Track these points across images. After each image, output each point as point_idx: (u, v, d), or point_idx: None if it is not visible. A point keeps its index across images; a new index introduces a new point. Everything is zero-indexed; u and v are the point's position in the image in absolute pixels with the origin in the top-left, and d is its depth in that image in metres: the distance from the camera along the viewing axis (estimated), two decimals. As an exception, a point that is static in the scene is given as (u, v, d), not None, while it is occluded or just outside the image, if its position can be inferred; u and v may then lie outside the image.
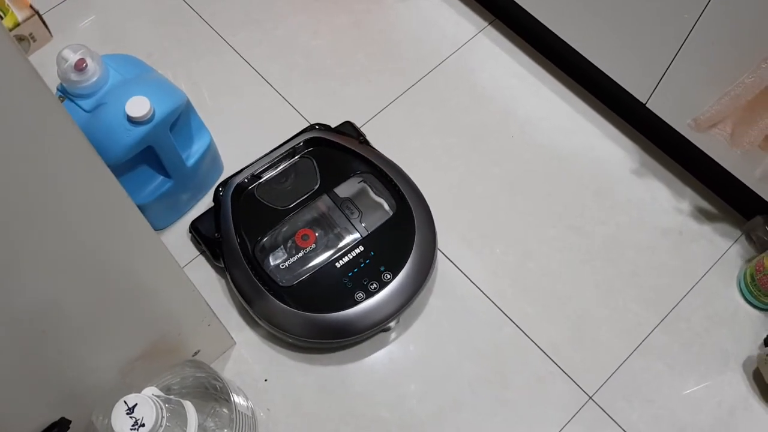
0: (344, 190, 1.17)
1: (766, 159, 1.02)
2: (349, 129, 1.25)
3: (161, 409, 0.80)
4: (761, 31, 0.92)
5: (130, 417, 0.77)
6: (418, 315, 1.15)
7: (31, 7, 1.34)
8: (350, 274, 1.08)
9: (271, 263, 1.11)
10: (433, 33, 1.41)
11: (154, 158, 1.09)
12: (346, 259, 1.10)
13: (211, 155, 1.21)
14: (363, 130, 1.26)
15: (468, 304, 1.16)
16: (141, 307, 0.86)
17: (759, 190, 1.11)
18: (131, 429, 0.77)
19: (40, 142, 0.57)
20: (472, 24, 1.42)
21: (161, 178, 1.13)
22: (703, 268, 1.19)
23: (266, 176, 1.18)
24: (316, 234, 1.13)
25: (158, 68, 1.14)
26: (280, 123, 1.31)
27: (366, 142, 1.23)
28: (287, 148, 1.20)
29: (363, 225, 1.13)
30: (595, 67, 1.22)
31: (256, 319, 1.11)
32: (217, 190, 1.17)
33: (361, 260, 1.09)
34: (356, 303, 1.06)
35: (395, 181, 1.16)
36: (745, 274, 1.16)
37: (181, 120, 1.11)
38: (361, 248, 1.11)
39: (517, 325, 1.15)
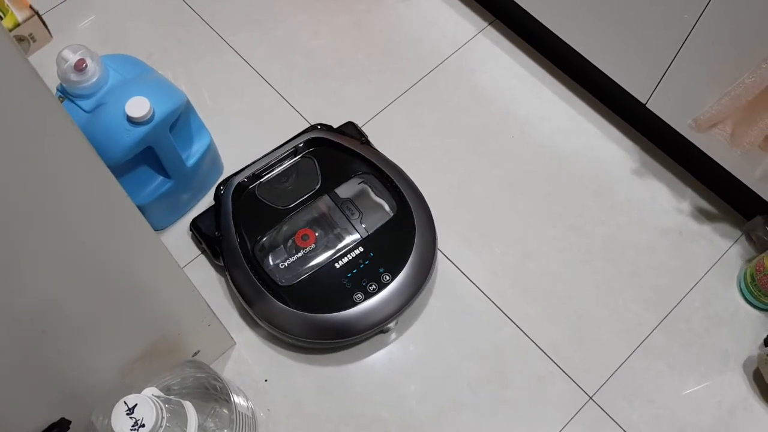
0: (345, 190, 1.17)
1: (766, 159, 1.02)
2: (351, 129, 1.25)
3: (161, 409, 0.80)
4: (761, 31, 0.92)
5: (130, 417, 0.77)
6: (418, 315, 1.15)
7: (30, 7, 1.34)
8: (349, 274, 1.08)
9: (271, 262, 1.11)
10: (434, 33, 1.41)
11: (154, 158, 1.09)
12: (345, 259, 1.10)
13: (211, 155, 1.21)
14: (363, 130, 1.26)
15: (468, 304, 1.16)
16: (141, 307, 0.86)
17: (759, 190, 1.11)
18: (131, 429, 0.77)
19: (40, 142, 0.57)
20: (472, 24, 1.42)
21: (161, 178, 1.13)
22: (703, 269, 1.19)
23: (267, 176, 1.18)
24: (316, 234, 1.13)
25: (158, 68, 1.14)
26: (280, 123, 1.31)
27: (368, 143, 1.23)
28: (289, 148, 1.20)
29: (363, 226, 1.13)
30: (596, 68, 1.22)
31: (255, 318, 1.11)
32: (218, 189, 1.17)
33: (361, 261, 1.09)
34: (355, 304, 1.06)
35: (396, 183, 1.16)
36: (745, 274, 1.16)
37: (181, 120, 1.11)
38: (361, 249, 1.11)
39: (517, 325, 1.15)
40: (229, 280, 1.13)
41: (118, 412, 0.78)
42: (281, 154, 1.19)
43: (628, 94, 1.19)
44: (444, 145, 1.30)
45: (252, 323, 1.14)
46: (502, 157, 1.29)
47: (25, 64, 0.52)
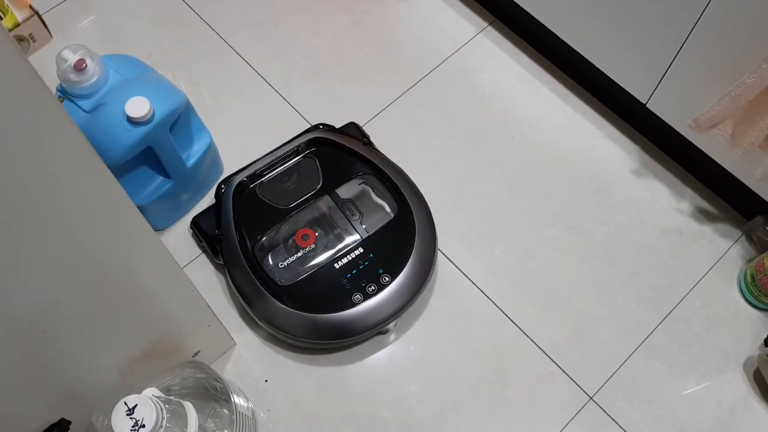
0: (346, 191, 1.17)
1: (766, 159, 1.02)
2: (353, 130, 1.25)
3: (161, 409, 0.79)
4: (761, 31, 0.92)
5: (131, 418, 0.77)
6: (419, 315, 1.15)
7: (30, 7, 1.34)
8: (348, 275, 1.08)
9: (270, 262, 1.11)
10: (434, 33, 1.41)
11: (153, 159, 1.09)
12: (345, 260, 1.10)
13: (211, 156, 1.20)
14: (365, 131, 1.26)
15: (468, 305, 1.16)
16: (141, 307, 0.86)
17: (759, 190, 1.11)
18: (131, 430, 0.77)
19: (40, 142, 0.57)
20: (472, 24, 1.42)
21: (161, 178, 1.13)
22: (703, 269, 1.19)
23: (269, 175, 1.18)
24: (316, 234, 1.12)
25: (158, 69, 1.14)
26: (280, 123, 1.31)
27: (370, 144, 1.23)
28: (291, 148, 1.20)
29: (363, 227, 1.13)
30: (596, 68, 1.22)
31: (254, 317, 1.11)
32: (218, 187, 1.17)
33: (360, 262, 1.09)
34: (353, 304, 1.06)
35: (397, 184, 1.16)
36: (745, 274, 1.16)
37: (181, 120, 1.11)
38: (361, 250, 1.10)
39: (517, 325, 1.15)
40: (229, 279, 1.13)
41: (119, 412, 0.78)
42: (283, 154, 1.19)
43: (629, 94, 1.19)
44: (444, 145, 1.30)
45: (252, 323, 1.14)
46: (502, 157, 1.29)
47: (25, 64, 0.52)
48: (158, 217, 1.19)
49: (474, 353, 1.13)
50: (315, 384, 1.11)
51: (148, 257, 0.80)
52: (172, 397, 0.86)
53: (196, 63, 1.39)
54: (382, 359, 1.12)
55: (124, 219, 0.72)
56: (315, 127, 1.24)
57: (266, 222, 1.13)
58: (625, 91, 1.19)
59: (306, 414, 1.09)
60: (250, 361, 1.12)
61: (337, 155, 1.20)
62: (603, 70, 1.21)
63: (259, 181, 1.17)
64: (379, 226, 1.13)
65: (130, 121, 1.00)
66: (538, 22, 1.26)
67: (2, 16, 1.32)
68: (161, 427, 0.79)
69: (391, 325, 1.11)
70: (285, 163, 1.19)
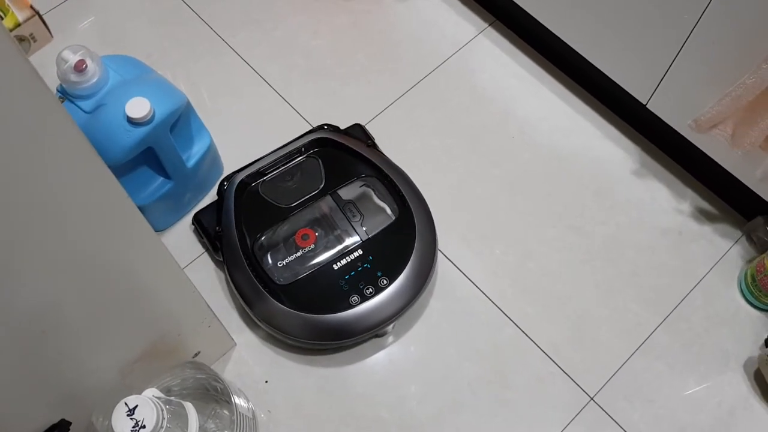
0: (348, 192, 1.16)
1: (767, 160, 1.02)
2: (358, 131, 1.25)
3: (162, 410, 0.79)
4: (762, 31, 0.92)
5: (131, 418, 0.77)
6: (419, 316, 1.15)
7: (31, 7, 1.34)
8: (347, 276, 1.08)
9: (270, 260, 1.11)
10: (433, 34, 1.41)
11: (154, 159, 1.09)
12: (344, 261, 1.10)
13: (211, 156, 1.20)
14: (370, 132, 1.26)
15: (468, 305, 1.16)
16: (141, 307, 0.86)
17: (759, 190, 1.11)
18: (132, 430, 0.77)
19: (40, 142, 0.57)
20: (472, 25, 1.42)
21: (161, 179, 1.13)
22: (703, 269, 1.19)
23: (271, 173, 1.18)
24: (317, 234, 1.12)
25: (157, 69, 1.14)
26: (280, 124, 1.31)
27: (374, 146, 1.23)
28: (294, 147, 1.20)
29: (364, 229, 1.13)
30: (596, 68, 1.22)
31: (250, 314, 1.11)
32: (221, 184, 1.17)
33: (359, 264, 1.09)
34: (351, 306, 1.06)
35: (399, 187, 1.16)
36: (745, 274, 1.16)
37: (181, 121, 1.11)
38: (360, 252, 1.10)
39: (517, 326, 1.15)
40: (227, 276, 1.12)
41: (119, 413, 0.78)
42: (286, 153, 1.19)
43: (629, 94, 1.19)
44: (444, 145, 1.30)
45: (252, 324, 1.14)
46: (502, 157, 1.29)
47: (26, 64, 0.52)
48: (158, 217, 1.19)
49: (474, 353, 1.13)
50: (315, 385, 1.11)
51: (148, 258, 0.80)
52: (172, 398, 0.86)
53: (195, 63, 1.38)
54: (382, 360, 1.12)
55: (125, 219, 0.72)
56: (319, 128, 1.24)
57: (267, 220, 1.13)
58: (626, 91, 1.19)
59: (306, 415, 1.09)
60: (251, 362, 1.12)
61: (341, 156, 1.20)
62: (603, 71, 1.21)
63: (262, 179, 1.17)
64: (380, 228, 1.12)
65: (131, 121, 1.00)
66: (538, 22, 1.26)
67: (3, 16, 1.32)
68: (162, 427, 0.79)
69: (388, 328, 1.11)
70: (288, 162, 1.19)
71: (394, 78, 1.37)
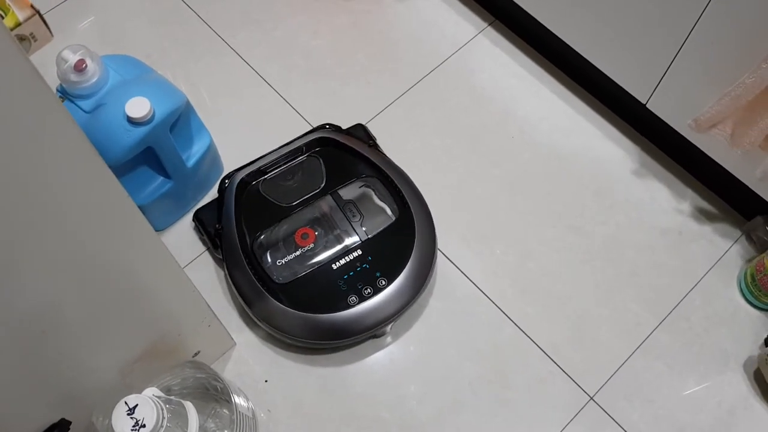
0: (348, 192, 1.16)
1: (766, 159, 1.02)
2: (360, 132, 1.25)
3: (162, 409, 0.79)
4: (761, 31, 0.92)
5: (131, 418, 0.77)
6: (418, 316, 1.15)
7: (32, 6, 1.34)
8: (345, 276, 1.08)
9: (269, 258, 1.11)
10: (433, 34, 1.41)
11: (154, 159, 1.09)
12: (343, 261, 1.10)
13: (211, 156, 1.20)
14: (372, 133, 1.26)
15: (468, 305, 1.16)
16: (141, 307, 0.86)
17: (759, 190, 1.11)
18: (132, 429, 0.77)
19: (40, 141, 0.57)
20: (471, 25, 1.42)
21: (161, 178, 1.13)
22: (703, 269, 1.19)
23: (273, 172, 1.18)
24: (316, 233, 1.12)
25: (157, 69, 1.14)
26: (280, 124, 1.31)
27: (375, 146, 1.23)
28: (296, 146, 1.20)
29: (363, 229, 1.13)
30: (595, 68, 1.22)
31: (248, 312, 1.11)
32: (222, 182, 1.17)
33: (358, 264, 1.09)
34: (348, 306, 1.06)
35: (400, 188, 1.16)
36: (745, 274, 1.16)
37: (181, 121, 1.11)
38: (359, 252, 1.10)
39: (517, 326, 1.15)
40: (226, 274, 1.13)
41: (119, 412, 0.78)
42: (288, 152, 1.19)
43: (628, 94, 1.19)
44: (444, 145, 1.30)
45: (252, 324, 1.14)
46: (502, 157, 1.29)
47: (27, 64, 0.52)
48: (158, 217, 1.19)
49: (474, 353, 1.13)
50: (315, 384, 1.11)
51: (148, 257, 0.80)
52: (172, 397, 0.86)
53: (195, 63, 1.38)
54: (382, 360, 1.12)
55: (125, 219, 0.72)
56: (321, 127, 1.24)
57: (267, 219, 1.13)
58: (625, 91, 1.19)
59: (306, 414, 1.09)
60: (251, 362, 1.12)
61: (342, 156, 1.20)
62: (603, 70, 1.21)
63: (263, 177, 1.17)
64: (380, 229, 1.12)
65: (131, 121, 1.00)
66: (538, 22, 1.26)
67: (3, 15, 1.32)
68: (162, 426, 0.79)
69: (386, 329, 1.11)
70: (289, 161, 1.19)
71: (394, 78, 1.37)
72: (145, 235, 0.77)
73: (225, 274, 1.14)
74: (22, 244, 0.62)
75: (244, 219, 1.13)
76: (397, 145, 1.27)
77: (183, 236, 1.21)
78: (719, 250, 1.21)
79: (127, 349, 0.90)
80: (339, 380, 1.11)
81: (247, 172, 1.17)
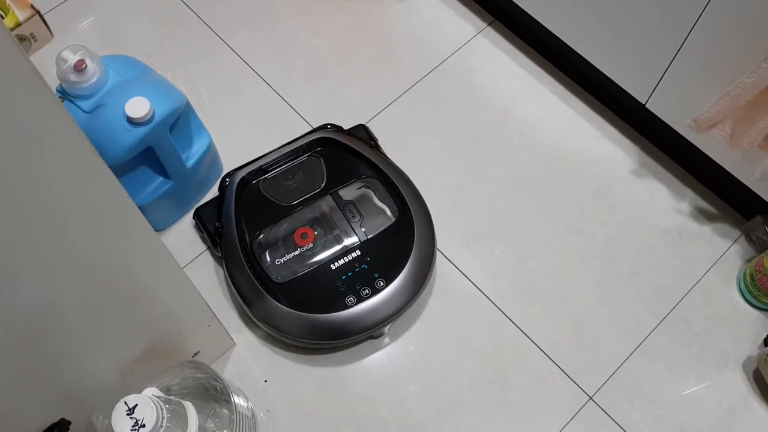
0: (348, 192, 1.16)
1: (766, 159, 1.02)
2: (361, 132, 1.25)
3: (162, 409, 0.79)
4: (761, 31, 0.92)
5: (131, 417, 0.77)
6: (418, 316, 1.15)
7: (32, 7, 1.34)
8: (344, 277, 1.08)
9: (268, 257, 1.11)
10: (433, 34, 1.42)
11: (153, 159, 1.09)
12: (341, 261, 1.10)
13: (210, 156, 1.21)
14: (373, 134, 1.26)
15: (468, 305, 1.16)
16: (141, 307, 0.86)
17: (759, 190, 1.11)
18: (132, 429, 0.77)
19: (40, 142, 0.57)
20: (471, 25, 1.42)
21: (161, 179, 1.13)
22: (702, 269, 1.19)
23: (273, 171, 1.18)
24: (316, 233, 1.12)
25: (157, 69, 1.14)
26: (280, 124, 1.31)
27: (377, 147, 1.23)
28: (297, 146, 1.20)
29: (363, 230, 1.13)
30: (595, 68, 1.22)
31: (246, 311, 1.11)
32: (223, 180, 1.17)
33: (357, 265, 1.09)
34: (346, 307, 1.06)
35: (400, 190, 1.16)
36: (744, 274, 1.16)
37: (180, 121, 1.11)
38: (358, 253, 1.10)
39: (517, 326, 1.15)
40: (225, 272, 1.13)
41: (119, 412, 0.78)
42: (289, 151, 1.19)
43: (628, 94, 1.19)
44: (443, 145, 1.30)
45: (251, 324, 1.14)
46: (502, 157, 1.29)
47: (27, 64, 0.52)
48: (158, 217, 1.19)
49: (474, 353, 1.13)
50: (315, 384, 1.11)
51: (148, 257, 0.80)
52: (172, 397, 0.86)
53: (195, 63, 1.39)
54: (381, 360, 1.12)
55: (125, 219, 0.72)
56: (323, 127, 1.24)
57: (267, 217, 1.13)
58: (625, 91, 1.19)
59: (305, 414, 1.09)
60: (250, 362, 1.12)
61: (343, 156, 1.20)
62: (602, 71, 1.21)
63: (264, 176, 1.17)
64: (379, 230, 1.12)
65: (130, 121, 1.00)
66: (538, 22, 1.26)
67: (4, 15, 1.32)
68: (161, 426, 0.79)
69: (384, 330, 1.11)
70: (290, 160, 1.19)
71: (394, 78, 1.37)
72: (145, 235, 0.77)
73: (224, 273, 1.14)
74: (22, 244, 0.62)
75: (244, 217, 1.13)
76: (396, 145, 1.27)
77: (183, 236, 1.21)
78: (719, 250, 1.21)
79: (127, 349, 0.90)
80: (338, 380, 1.11)
81: (248, 171, 1.17)
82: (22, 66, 0.52)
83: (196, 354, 1.05)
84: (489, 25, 1.42)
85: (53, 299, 0.71)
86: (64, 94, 1.03)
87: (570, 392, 1.10)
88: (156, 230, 1.18)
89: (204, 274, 1.18)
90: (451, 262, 1.19)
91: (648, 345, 1.13)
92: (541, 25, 1.26)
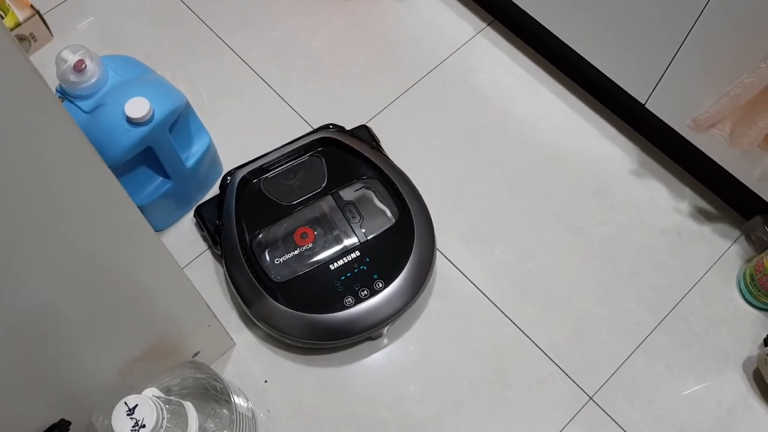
0: (349, 193, 1.16)
1: (766, 159, 1.02)
2: (363, 133, 1.25)
3: (162, 410, 0.79)
4: (760, 31, 0.92)
5: (131, 418, 0.77)
6: (418, 316, 1.15)
7: (31, 7, 1.34)
8: (343, 277, 1.08)
9: (267, 257, 1.11)
10: (432, 34, 1.42)
11: (153, 159, 1.09)
12: (341, 262, 1.09)
13: (210, 156, 1.20)
14: (375, 135, 1.26)
15: (467, 305, 1.16)
16: (141, 308, 0.86)
17: (758, 190, 1.11)
18: (132, 430, 0.77)
19: (40, 142, 0.57)
20: (470, 25, 1.42)
21: (161, 179, 1.13)
22: (702, 269, 1.19)
23: (274, 170, 1.18)
24: (315, 233, 1.12)
25: (157, 69, 1.13)
26: (279, 124, 1.31)
27: (378, 148, 1.23)
28: (299, 145, 1.20)
29: (363, 230, 1.12)
30: (594, 68, 1.22)
31: (245, 309, 1.11)
32: (224, 178, 1.17)
33: (356, 265, 1.09)
34: (344, 307, 1.06)
35: (401, 191, 1.15)
36: (744, 274, 1.16)
37: (180, 121, 1.11)
38: (358, 253, 1.10)
39: (516, 326, 1.15)
40: (225, 271, 1.13)
41: (119, 412, 0.78)
42: (291, 151, 1.19)
43: (627, 94, 1.19)
44: (443, 145, 1.30)
45: (251, 324, 1.14)
46: (502, 157, 1.29)
47: (26, 64, 0.52)
48: (158, 217, 1.19)
49: (474, 353, 1.13)
50: (315, 384, 1.11)
51: (148, 258, 0.80)
52: (172, 398, 0.86)
53: (194, 64, 1.39)
54: (381, 360, 1.12)
55: (125, 219, 0.72)
56: (325, 127, 1.24)
57: (267, 217, 1.13)
58: (624, 91, 1.19)
59: (305, 414, 1.09)
60: (250, 362, 1.12)
61: (344, 157, 1.20)
62: (602, 70, 1.21)
63: (264, 175, 1.17)
64: (379, 231, 1.12)
65: (130, 121, 1.00)
66: (537, 22, 1.26)
67: (3, 15, 1.32)
68: (162, 427, 0.79)
69: (383, 331, 1.11)
70: (292, 160, 1.19)
71: (394, 78, 1.37)
72: (145, 236, 0.77)
73: (224, 273, 1.14)
74: (22, 244, 0.62)
75: (245, 216, 1.13)
76: (396, 146, 1.27)
77: (183, 236, 1.21)
78: (718, 250, 1.21)
79: (127, 349, 0.90)
80: (338, 380, 1.11)
81: (249, 170, 1.17)
82: (21, 66, 0.51)
83: (196, 354, 1.05)
84: (488, 25, 1.42)
85: (53, 299, 0.71)
86: (64, 94, 1.03)
87: (570, 392, 1.10)
88: (156, 230, 1.18)
89: (204, 274, 1.18)
90: (451, 262, 1.19)
91: (648, 345, 1.13)
92: (541, 25, 1.26)
